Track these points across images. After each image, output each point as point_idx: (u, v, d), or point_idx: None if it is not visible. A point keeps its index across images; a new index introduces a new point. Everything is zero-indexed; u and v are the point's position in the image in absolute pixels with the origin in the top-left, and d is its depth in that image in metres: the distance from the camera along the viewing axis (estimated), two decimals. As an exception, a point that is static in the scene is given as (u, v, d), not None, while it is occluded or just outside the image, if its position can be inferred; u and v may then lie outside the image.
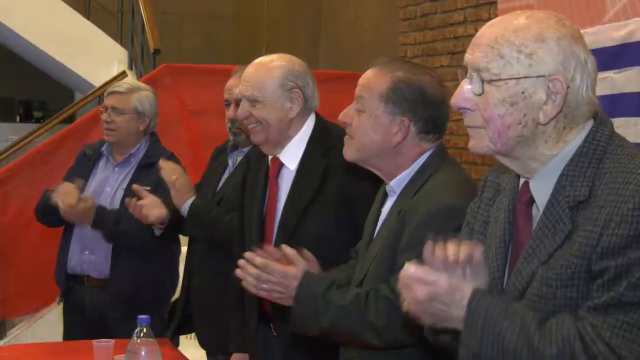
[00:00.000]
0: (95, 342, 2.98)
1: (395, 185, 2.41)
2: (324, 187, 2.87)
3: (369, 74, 2.43)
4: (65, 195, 3.85)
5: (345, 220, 2.84)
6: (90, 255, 4.03)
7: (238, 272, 2.42)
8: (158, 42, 7.33)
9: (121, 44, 8.61)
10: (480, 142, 1.79)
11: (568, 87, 1.70)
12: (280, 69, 2.97)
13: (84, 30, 8.43)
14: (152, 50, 7.33)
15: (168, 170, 3.59)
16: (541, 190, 1.76)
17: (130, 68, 8.17)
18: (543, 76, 1.71)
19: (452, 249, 1.75)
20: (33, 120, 12.15)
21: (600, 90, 3.67)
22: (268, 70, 2.98)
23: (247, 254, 2.42)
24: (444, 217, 2.21)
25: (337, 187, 2.86)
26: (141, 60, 7.99)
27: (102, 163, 4.16)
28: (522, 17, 1.75)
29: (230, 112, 3.59)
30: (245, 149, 3.64)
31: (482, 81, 1.74)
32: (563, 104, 1.70)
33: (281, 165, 3.00)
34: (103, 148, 4.16)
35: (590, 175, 1.68)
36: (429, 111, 2.38)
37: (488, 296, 1.73)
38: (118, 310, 3.90)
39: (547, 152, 1.75)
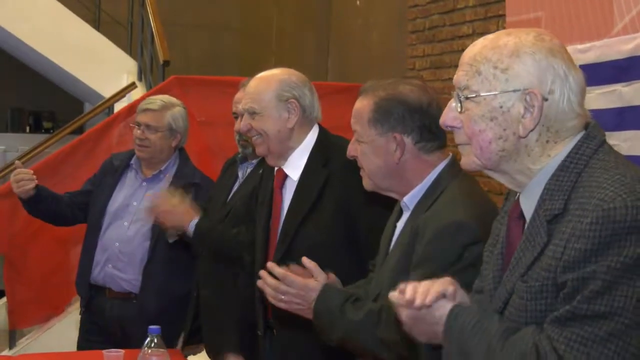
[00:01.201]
0: (105, 352, 3.00)
1: (409, 200, 2.43)
2: (323, 196, 2.93)
3: (356, 104, 2.47)
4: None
5: (342, 228, 2.89)
6: (114, 270, 4.06)
7: (259, 282, 2.47)
8: (167, 53, 7.36)
9: (131, 55, 8.66)
10: (467, 159, 1.84)
11: (547, 99, 1.73)
12: (276, 81, 3.05)
13: (93, 41, 8.48)
14: (161, 62, 7.36)
15: (166, 198, 3.64)
16: (528, 204, 1.79)
17: (140, 79, 8.20)
18: (519, 90, 1.74)
19: (421, 292, 1.78)
20: (43, 131, 12.17)
21: (609, 103, 3.69)
22: (265, 82, 3.06)
23: (269, 264, 2.46)
24: (452, 234, 2.22)
25: (336, 196, 2.91)
26: (150, 71, 8.02)
27: (130, 175, 4.17)
28: (502, 35, 1.80)
29: (237, 125, 3.64)
30: (255, 161, 3.68)
31: (462, 98, 1.79)
32: (540, 117, 1.73)
33: (285, 176, 3.07)
34: (132, 161, 4.17)
35: (567, 189, 1.70)
36: (419, 119, 2.39)
37: (464, 313, 1.78)
38: (145, 324, 3.90)
39: (532, 166, 1.77)
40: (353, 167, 2.55)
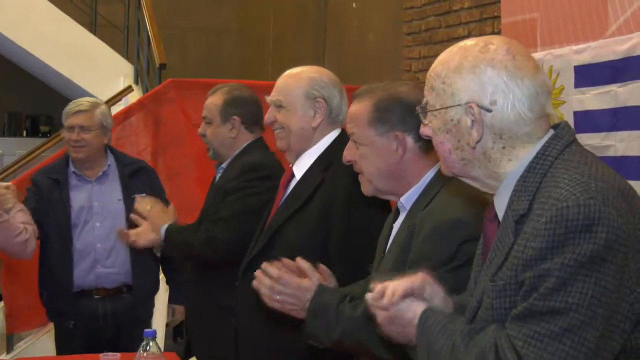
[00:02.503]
0: (102, 355, 3.00)
1: (405, 200, 2.42)
2: (313, 200, 2.93)
3: (352, 108, 2.48)
4: None
5: (321, 232, 2.88)
6: (104, 269, 4.13)
7: (254, 282, 2.49)
8: (164, 56, 7.37)
9: (127, 58, 8.66)
10: (441, 166, 1.93)
11: (490, 110, 1.77)
12: (308, 78, 3.05)
13: (90, 45, 8.48)
14: (158, 65, 7.36)
15: (143, 203, 3.71)
16: (500, 206, 1.83)
17: (137, 83, 8.21)
18: (461, 104, 1.80)
19: (390, 289, 1.88)
20: (40, 135, 12.18)
21: (604, 104, 3.70)
22: (296, 78, 3.07)
23: (263, 265, 2.48)
24: (449, 231, 2.23)
25: (323, 200, 2.90)
26: (147, 74, 8.02)
27: (75, 182, 4.19)
28: (455, 48, 1.86)
29: (201, 128, 3.75)
30: (225, 164, 3.69)
31: (423, 112, 1.89)
32: (483, 127, 1.79)
33: (293, 174, 3.07)
34: (71, 169, 4.19)
35: (532, 190, 1.74)
36: (418, 118, 2.40)
37: (433, 316, 1.87)
38: (140, 312, 4.12)
39: (498, 170, 1.82)
40: (345, 173, 2.54)
